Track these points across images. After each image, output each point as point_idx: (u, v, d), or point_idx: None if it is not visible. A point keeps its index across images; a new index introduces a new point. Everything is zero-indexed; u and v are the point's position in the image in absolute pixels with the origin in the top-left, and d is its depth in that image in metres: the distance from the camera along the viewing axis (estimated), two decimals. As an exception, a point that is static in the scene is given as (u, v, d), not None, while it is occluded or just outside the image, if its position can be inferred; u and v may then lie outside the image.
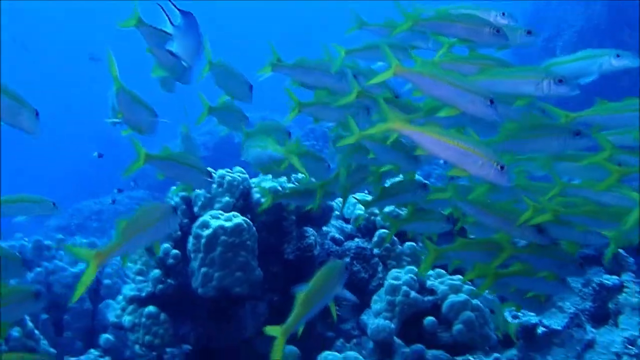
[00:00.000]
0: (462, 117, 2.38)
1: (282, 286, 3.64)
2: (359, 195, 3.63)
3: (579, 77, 2.48)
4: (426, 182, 2.89)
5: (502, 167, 2.10)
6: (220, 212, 3.46)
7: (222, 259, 3.30)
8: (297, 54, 2.84)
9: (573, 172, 2.68)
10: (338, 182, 2.90)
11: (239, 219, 3.38)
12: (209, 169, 2.83)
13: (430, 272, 3.40)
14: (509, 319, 3.59)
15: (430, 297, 3.31)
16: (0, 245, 2.81)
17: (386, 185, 2.96)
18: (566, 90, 2.35)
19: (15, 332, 3.31)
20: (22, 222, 3.24)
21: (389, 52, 2.33)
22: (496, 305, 3.32)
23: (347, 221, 4.29)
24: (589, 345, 3.68)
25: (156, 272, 3.43)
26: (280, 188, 3.60)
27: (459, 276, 3.34)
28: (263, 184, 3.65)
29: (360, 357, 3.06)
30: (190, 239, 3.39)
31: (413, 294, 3.28)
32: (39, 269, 4.69)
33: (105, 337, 4.04)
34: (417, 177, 2.92)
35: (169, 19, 2.43)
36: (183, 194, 3.61)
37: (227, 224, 3.33)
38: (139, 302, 3.46)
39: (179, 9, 2.42)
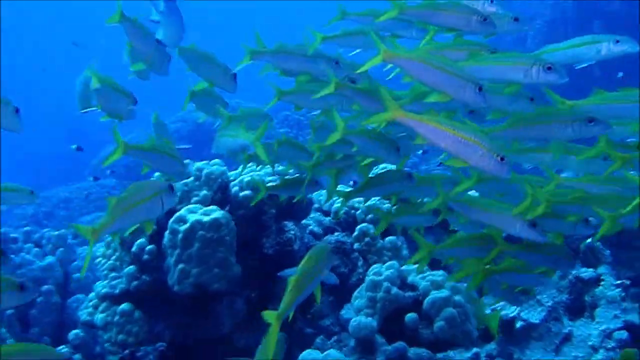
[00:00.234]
0: (452, 101, 2.35)
1: (261, 281, 3.57)
2: (339, 187, 3.58)
3: (577, 62, 2.47)
4: (411, 172, 2.87)
5: (502, 158, 2.08)
6: (198, 205, 3.36)
7: (200, 255, 3.20)
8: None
9: (569, 165, 2.67)
10: (327, 164, 2.89)
11: (217, 213, 3.28)
12: (186, 161, 2.74)
13: (412, 267, 3.36)
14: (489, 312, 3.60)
15: (411, 293, 3.27)
16: None
17: (370, 175, 2.94)
18: (555, 77, 2.34)
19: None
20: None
21: (376, 38, 2.30)
22: (475, 300, 3.32)
23: (326, 214, 4.23)
24: (567, 338, 3.70)
25: (131, 268, 3.32)
26: (259, 181, 3.50)
27: (441, 271, 3.31)
28: (243, 177, 3.55)
29: (343, 356, 3.01)
30: (167, 234, 3.28)
31: (394, 290, 3.23)
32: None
33: (75, 332, 3.90)
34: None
35: (155, 9, 2.41)
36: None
37: (205, 219, 3.23)
38: (112, 299, 3.35)
39: None
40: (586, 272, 3.82)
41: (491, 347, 3.51)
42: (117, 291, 3.33)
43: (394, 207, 2.96)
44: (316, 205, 4.16)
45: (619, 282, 3.78)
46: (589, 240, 3.89)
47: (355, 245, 3.65)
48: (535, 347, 3.65)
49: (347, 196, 2.96)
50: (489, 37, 2.65)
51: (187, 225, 3.21)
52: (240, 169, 3.61)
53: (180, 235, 3.20)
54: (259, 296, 3.57)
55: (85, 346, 3.87)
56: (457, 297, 3.19)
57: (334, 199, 4.14)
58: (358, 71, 2.55)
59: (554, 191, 2.50)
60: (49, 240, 4.87)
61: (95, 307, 3.37)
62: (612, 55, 2.43)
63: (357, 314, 3.24)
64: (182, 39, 2.86)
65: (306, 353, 3.04)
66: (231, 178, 3.59)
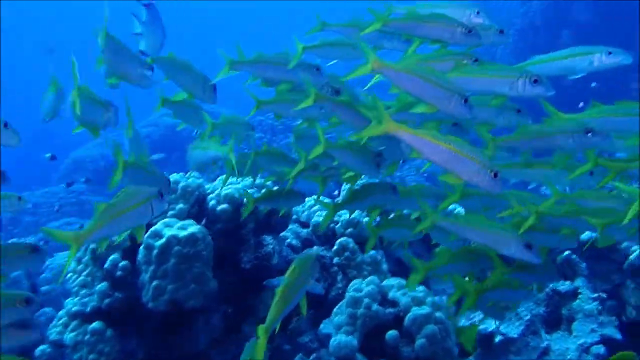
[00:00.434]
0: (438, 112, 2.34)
1: (238, 296, 3.49)
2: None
3: (569, 74, 2.45)
4: (395, 184, 2.84)
5: (495, 174, 2.08)
6: (174, 219, 3.26)
7: (176, 271, 3.11)
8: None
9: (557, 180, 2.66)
10: (312, 172, 2.84)
11: (193, 227, 3.20)
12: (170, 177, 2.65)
13: (392, 282, 3.32)
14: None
15: (392, 310, 3.22)
16: None
17: (355, 187, 2.90)
18: (541, 90, 2.32)
19: None
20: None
21: (367, 48, 2.26)
22: (451, 315, 3.29)
23: (304, 225, 4.16)
24: (545, 352, 3.71)
25: (103, 285, 3.20)
26: (237, 194, 3.42)
27: (422, 287, 3.27)
28: (221, 190, 3.46)
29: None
30: (141, 250, 3.17)
31: (375, 306, 3.18)
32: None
33: (42, 348, 3.74)
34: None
35: (138, 19, 2.34)
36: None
37: (182, 233, 3.14)
38: (83, 317, 3.22)
39: (143, 4, 2.34)
40: (563, 285, 3.84)
41: (470, 361, 3.50)
42: (88, 309, 3.21)
43: (379, 220, 2.92)
44: (294, 217, 4.09)
45: (595, 295, 3.81)
46: (567, 252, 3.91)
47: (335, 260, 3.59)
48: (514, 362, 3.65)
49: (333, 209, 2.91)
50: (471, 48, 2.63)
51: (163, 240, 3.11)
52: (218, 181, 3.54)
53: (155, 251, 3.10)
54: (236, 311, 3.49)
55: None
56: (438, 314, 3.16)
57: (312, 210, 4.11)
58: (343, 79, 2.53)
59: (546, 205, 2.49)
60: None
61: (65, 326, 3.23)
62: (605, 66, 2.41)
63: (338, 331, 3.18)
64: (163, 46, 2.78)
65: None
66: (208, 191, 3.50)
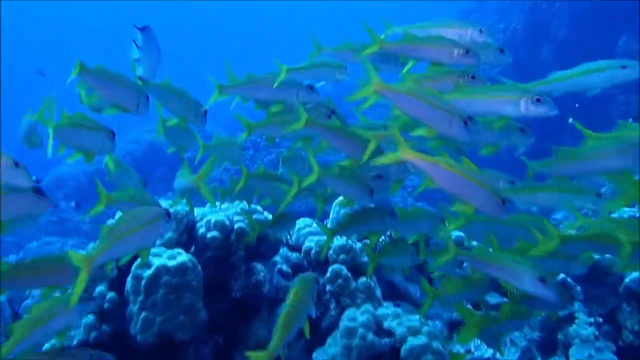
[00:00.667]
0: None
1: (229, 326, 3.39)
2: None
3: (587, 90, 2.40)
4: (394, 208, 2.82)
5: (503, 201, 2.12)
6: (162, 248, 3.16)
7: (165, 302, 3.01)
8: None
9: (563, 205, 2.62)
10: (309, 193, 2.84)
11: (183, 256, 3.10)
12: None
13: (388, 311, 3.25)
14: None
15: (388, 340, 3.14)
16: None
17: (353, 212, 2.89)
18: (545, 110, 2.28)
19: None
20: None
21: (370, 68, 2.27)
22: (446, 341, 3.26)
23: (292, 249, 4.08)
24: (542, 379, 3.65)
25: (89, 317, 3.08)
26: (228, 221, 3.34)
27: (418, 316, 3.19)
28: (210, 217, 3.37)
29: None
30: (129, 280, 3.07)
31: (370, 336, 3.10)
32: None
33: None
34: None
35: (136, 44, 2.32)
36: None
37: (171, 263, 3.05)
38: (69, 351, 3.09)
39: (137, 28, 2.32)
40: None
41: (466, 390, 3.42)
42: (74, 342, 3.09)
43: (380, 248, 2.92)
44: (283, 240, 4.01)
45: (591, 319, 3.76)
46: (562, 276, 3.87)
47: (328, 287, 3.50)
48: (510, 390, 3.59)
49: (331, 235, 2.86)
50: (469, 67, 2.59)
51: (151, 270, 3.01)
52: (207, 207, 3.47)
53: (143, 282, 3.00)
54: (227, 341, 3.39)
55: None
56: (435, 344, 3.08)
57: (302, 233, 4.03)
58: (346, 100, 2.48)
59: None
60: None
61: (50, 361, 3.11)
62: (621, 81, 2.36)
63: (332, 363, 3.09)
64: (158, 67, 2.72)
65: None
66: (197, 218, 3.41)
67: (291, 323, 2.10)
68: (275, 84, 2.62)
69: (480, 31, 2.59)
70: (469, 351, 3.60)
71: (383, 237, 3.89)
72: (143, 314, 3.00)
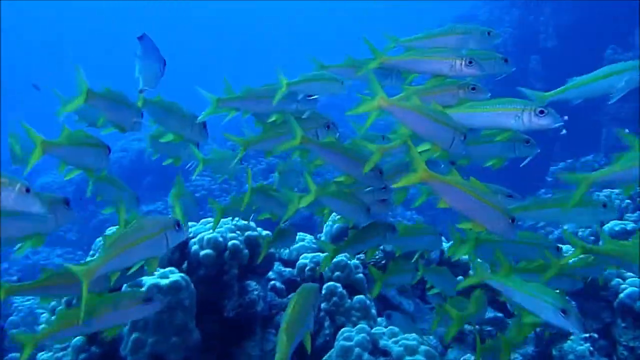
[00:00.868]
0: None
1: (222, 345, 3.32)
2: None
3: (607, 94, 2.35)
4: (394, 224, 2.81)
5: (512, 220, 2.12)
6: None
7: (157, 322, 2.94)
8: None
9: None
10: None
11: (175, 275, 3.04)
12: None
13: (383, 330, 3.20)
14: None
15: (383, 359, 3.10)
16: None
17: (355, 229, 2.87)
18: (548, 122, 2.26)
19: None
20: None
21: (376, 84, 2.25)
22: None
23: (286, 263, 4.03)
24: (538, 397, 3.62)
25: (79, 338, 3.00)
26: (221, 239, 3.28)
27: (414, 335, 3.15)
28: (204, 234, 3.30)
29: None
30: (119, 301, 2.99)
31: (366, 356, 3.05)
32: None
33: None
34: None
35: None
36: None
37: (163, 282, 2.98)
38: (57, 374, 3.02)
39: (137, 38, 2.39)
40: (553, 324, 3.77)
41: (463, 410, 3.38)
42: (63, 365, 3.02)
43: (385, 266, 2.91)
44: (276, 255, 3.95)
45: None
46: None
47: (322, 305, 3.45)
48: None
49: (336, 252, 2.83)
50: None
51: (143, 289, 2.94)
52: (200, 224, 3.41)
53: (135, 302, 2.92)
54: (220, 360, 3.32)
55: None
56: (432, 364, 3.04)
57: (294, 247, 4.00)
58: (348, 113, 2.45)
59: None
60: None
61: (38, 384, 3.03)
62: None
63: (328, 384, 3.04)
64: (161, 76, 2.67)
65: None
66: (190, 235, 3.35)
67: (294, 332, 2.06)
68: (275, 100, 2.58)
69: (489, 34, 2.58)
70: (464, 366, 3.57)
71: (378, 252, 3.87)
72: (134, 335, 2.93)
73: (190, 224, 3.46)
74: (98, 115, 2.52)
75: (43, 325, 2.95)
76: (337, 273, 3.52)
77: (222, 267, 3.28)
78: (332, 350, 3.14)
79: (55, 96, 2.52)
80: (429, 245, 3.04)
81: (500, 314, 3.99)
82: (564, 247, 2.84)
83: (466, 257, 3.61)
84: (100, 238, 3.26)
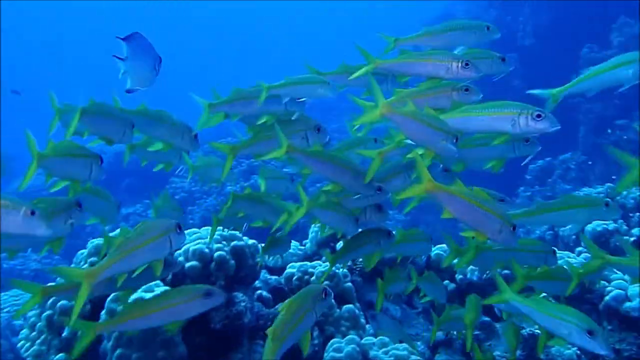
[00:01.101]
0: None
1: (208, 358, 3.25)
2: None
3: (617, 85, 2.33)
4: (390, 230, 2.80)
5: (514, 228, 2.14)
6: (138, 281, 3.00)
7: (142, 338, 2.86)
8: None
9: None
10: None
11: (160, 288, 2.96)
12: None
13: (374, 340, 3.17)
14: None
15: (374, 370, 3.06)
16: None
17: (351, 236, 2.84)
18: (545, 125, 2.25)
19: None
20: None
21: (378, 91, 2.24)
22: None
23: (272, 271, 3.97)
24: (528, 402, 3.62)
25: (61, 356, 2.91)
26: (207, 250, 3.20)
27: (405, 345, 3.12)
28: (189, 245, 3.23)
29: None
30: (103, 315, 2.91)
31: (357, 367, 3.01)
32: None
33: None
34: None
35: (117, 57, 2.38)
36: (93, 259, 3.11)
37: (148, 296, 2.89)
38: (39, 393, 2.92)
39: (121, 38, 2.36)
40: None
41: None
42: (44, 383, 2.92)
43: (385, 275, 2.96)
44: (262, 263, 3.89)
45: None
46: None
47: (311, 315, 3.39)
48: (496, 413, 3.54)
49: (333, 261, 2.80)
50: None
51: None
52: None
53: (119, 317, 2.84)
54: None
55: None
56: (423, 373, 3.02)
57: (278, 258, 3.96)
58: (351, 123, 2.50)
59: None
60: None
61: (18, 404, 2.93)
62: None
63: (318, 396, 2.99)
64: (154, 77, 2.59)
65: None
66: (175, 246, 3.26)
67: (283, 334, 2.02)
68: (259, 102, 2.58)
69: (488, 28, 2.58)
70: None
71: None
72: (118, 351, 2.85)
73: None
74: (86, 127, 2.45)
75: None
76: (325, 282, 3.47)
77: (208, 279, 3.21)
78: (322, 362, 3.10)
79: (50, 99, 2.46)
80: (421, 251, 3.06)
81: (487, 318, 3.98)
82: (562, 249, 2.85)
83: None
84: (83, 250, 3.18)
